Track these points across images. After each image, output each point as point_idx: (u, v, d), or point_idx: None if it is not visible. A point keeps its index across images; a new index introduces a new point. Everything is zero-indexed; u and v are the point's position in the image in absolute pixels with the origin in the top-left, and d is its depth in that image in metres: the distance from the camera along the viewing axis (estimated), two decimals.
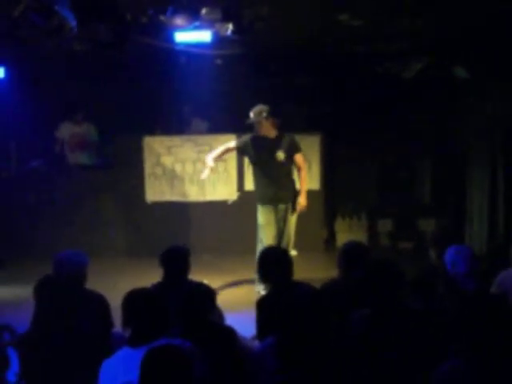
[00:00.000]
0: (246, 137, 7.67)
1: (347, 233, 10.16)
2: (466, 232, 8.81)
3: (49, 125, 10.35)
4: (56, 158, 10.42)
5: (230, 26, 7.10)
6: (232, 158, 9.77)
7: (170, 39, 7.46)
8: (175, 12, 6.94)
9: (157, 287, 5.04)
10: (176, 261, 5.18)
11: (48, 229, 9.72)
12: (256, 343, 4.51)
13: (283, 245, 7.30)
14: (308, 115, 10.62)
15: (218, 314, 4.73)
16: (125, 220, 10.03)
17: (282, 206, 7.55)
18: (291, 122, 10.12)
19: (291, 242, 7.52)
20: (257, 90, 9.90)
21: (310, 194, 9.53)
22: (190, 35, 7.38)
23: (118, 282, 6.98)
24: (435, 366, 3.27)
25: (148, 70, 9.42)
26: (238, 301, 7.38)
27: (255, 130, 7.53)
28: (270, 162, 7.52)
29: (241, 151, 7.79)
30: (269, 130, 7.49)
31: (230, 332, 4.07)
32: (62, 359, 3.93)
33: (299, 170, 7.65)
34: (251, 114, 7.46)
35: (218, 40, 7.54)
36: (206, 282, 4.48)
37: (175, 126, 10.64)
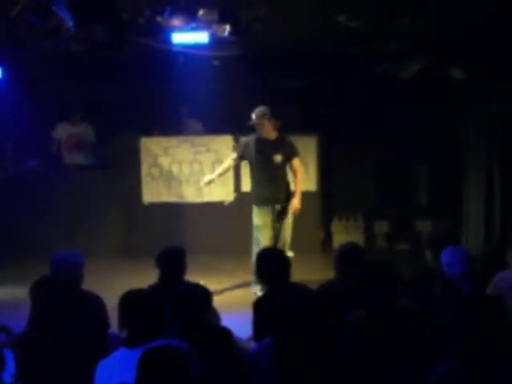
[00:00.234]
0: (247, 139, 7.68)
1: (344, 234, 10.16)
2: (462, 234, 8.81)
3: (46, 125, 10.34)
4: (53, 158, 10.41)
5: (227, 28, 7.10)
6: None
7: (168, 40, 7.46)
8: (172, 13, 6.95)
9: (153, 288, 5.04)
10: (172, 262, 5.18)
11: (45, 229, 9.70)
12: (252, 344, 4.51)
13: (279, 246, 7.31)
14: (305, 116, 10.63)
15: (214, 314, 4.74)
16: (121, 221, 10.02)
17: (278, 207, 7.58)
18: (288, 123, 10.13)
19: (287, 243, 7.53)
20: (254, 91, 9.91)
21: (307, 195, 9.55)
22: (188, 36, 7.38)
23: (114, 283, 6.99)
24: (432, 368, 3.27)
25: (145, 70, 9.41)
26: (235, 302, 7.38)
27: (256, 131, 7.55)
28: (268, 163, 7.54)
29: (242, 156, 7.79)
30: (270, 132, 7.52)
31: (227, 333, 4.07)
32: (58, 360, 3.93)
33: (295, 173, 7.68)
34: (253, 116, 7.47)
35: (215, 41, 7.55)
36: (202, 282, 4.48)
37: (173, 126, 10.63)
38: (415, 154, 10.88)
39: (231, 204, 9.81)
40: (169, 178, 9.98)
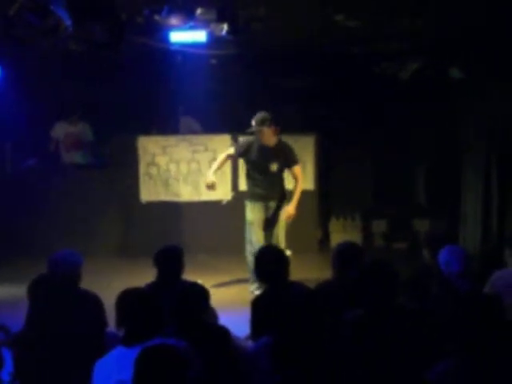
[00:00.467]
0: (251, 139, 7.65)
1: (341, 233, 10.16)
2: (460, 233, 8.82)
3: (44, 124, 10.34)
4: (51, 157, 10.41)
5: (225, 27, 7.10)
6: None
7: (165, 39, 7.46)
8: (170, 12, 6.94)
9: (151, 287, 5.04)
10: (170, 260, 5.18)
11: (43, 228, 9.70)
12: (250, 343, 4.52)
13: (279, 240, 7.31)
14: (303, 116, 10.63)
15: (211, 313, 4.74)
16: (119, 220, 10.02)
17: (272, 204, 7.58)
18: (286, 123, 10.14)
19: (282, 244, 7.46)
20: (252, 90, 9.92)
21: (305, 194, 9.54)
22: (185, 35, 7.38)
23: (112, 282, 6.98)
24: (430, 366, 3.28)
25: (143, 69, 9.41)
26: (232, 300, 7.39)
27: (256, 137, 7.54)
28: (265, 171, 7.55)
29: (241, 154, 7.78)
30: (269, 138, 7.49)
31: (224, 332, 4.07)
32: (56, 359, 3.93)
33: (296, 180, 7.68)
34: (253, 122, 7.45)
35: (213, 40, 7.55)
36: (200, 281, 4.48)
37: (170, 125, 10.63)
38: (413, 153, 10.89)
39: (229, 203, 9.81)
40: (166, 177, 9.98)
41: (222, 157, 7.96)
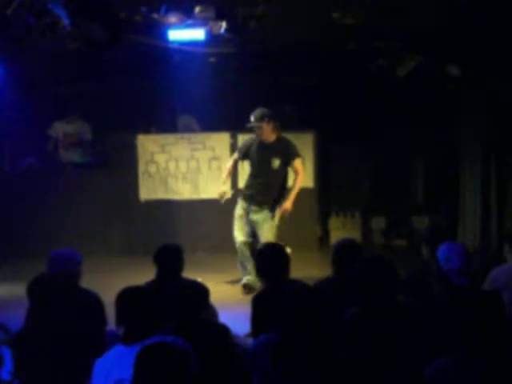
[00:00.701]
0: (250, 139, 7.69)
1: (341, 230, 10.18)
2: (459, 229, 8.83)
3: (42, 123, 10.33)
4: (49, 156, 10.41)
5: (224, 25, 7.09)
6: (225, 155, 9.78)
7: (164, 37, 7.45)
8: (169, 10, 6.94)
9: (150, 285, 5.04)
10: (170, 259, 5.19)
11: (41, 227, 9.70)
12: (249, 341, 4.52)
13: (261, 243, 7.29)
14: (302, 113, 10.63)
15: (211, 311, 4.74)
16: (118, 218, 10.02)
17: (257, 209, 7.57)
18: (285, 120, 10.14)
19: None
20: (250, 88, 9.91)
21: (304, 191, 9.55)
22: (184, 33, 7.37)
23: (111, 280, 6.98)
24: (428, 363, 3.28)
25: (142, 68, 9.40)
26: (232, 298, 7.39)
27: (256, 133, 7.53)
28: (266, 168, 7.54)
29: (244, 156, 7.80)
30: (268, 135, 7.49)
31: (224, 330, 4.07)
32: (55, 357, 3.93)
33: (296, 174, 7.63)
34: (252, 118, 7.45)
35: (212, 38, 7.54)
36: (199, 279, 4.48)
37: (169, 124, 10.63)
38: (412, 151, 10.89)
39: (228, 201, 9.80)
40: (165, 175, 9.98)
41: (229, 164, 8.01)
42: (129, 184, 9.94)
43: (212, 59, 9.20)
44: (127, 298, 3.82)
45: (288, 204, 7.50)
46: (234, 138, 9.71)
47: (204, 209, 9.87)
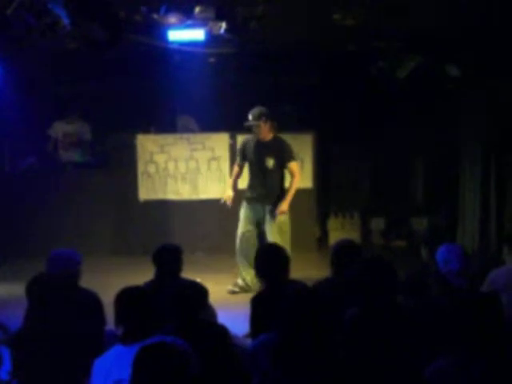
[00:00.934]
0: (248, 138, 7.71)
1: (340, 231, 10.18)
2: (458, 231, 8.83)
3: (42, 123, 10.33)
4: (49, 155, 10.41)
5: (223, 25, 7.09)
6: (225, 156, 9.78)
7: (164, 37, 7.45)
8: (168, 10, 6.94)
9: (149, 285, 5.05)
10: (169, 259, 5.19)
11: (41, 227, 9.70)
12: (248, 341, 4.52)
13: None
14: (302, 113, 10.63)
15: (210, 312, 4.75)
16: (117, 218, 10.02)
17: (261, 207, 7.59)
18: (284, 121, 10.14)
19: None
20: (250, 88, 9.91)
21: (303, 192, 9.56)
22: (184, 33, 7.37)
23: (110, 280, 6.98)
24: (428, 363, 3.28)
25: (141, 68, 9.40)
26: (231, 299, 7.40)
27: (253, 132, 7.55)
28: (261, 167, 7.55)
29: (243, 156, 7.82)
30: (266, 134, 7.50)
31: (223, 330, 4.08)
32: (54, 357, 3.93)
33: (292, 176, 7.60)
34: (250, 117, 7.46)
35: (212, 38, 7.54)
36: (198, 280, 4.49)
37: (168, 124, 10.63)
38: (411, 151, 10.89)
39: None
40: (165, 176, 9.97)
41: (235, 170, 8.03)
42: (128, 184, 9.94)
43: (212, 59, 9.20)
44: (126, 297, 3.82)
45: (284, 206, 7.47)
46: (233, 138, 9.71)
47: (203, 209, 9.87)
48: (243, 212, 7.71)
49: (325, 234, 10.46)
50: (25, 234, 9.69)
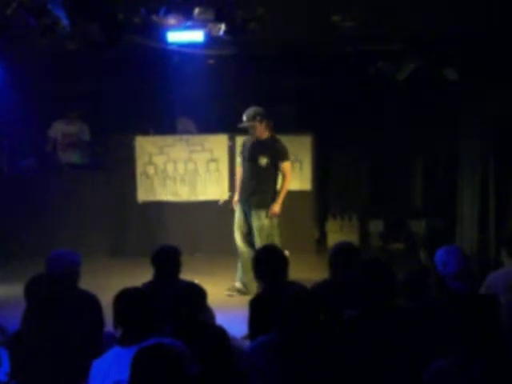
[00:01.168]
0: (246, 138, 7.76)
1: (338, 233, 10.16)
2: (456, 233, 8.82)
3: (41, 124, 10.33)
4: (47, 156, 10.40)
5: (223, 27, 7.09)
6: (223, 157, 9.78)
7: (163, 39, 7.44)
8: (168, 12, 6.93)
9: (148, 287, 5.05)
10: (167, 260, 5.19)
11: (39, 228, 9.69)
12: (247, 343, 4.52)
13: (256, 247, 7.28)
14: (300, 115, 10.63)
15: (208, 313, 4.74)
16: (116, 219, 10.01)
17: (248, 209, 7.59)
18: (283, 123, 10.15)
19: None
20: (249, 90, 9.91)
21: (302, 194, 9.58)
22: (183, 35, 7.36)
23: (108, 282, 6.98)
24: (426, 366, 3.29)
25: (140, 69, 9.40)
26: (229, 300, 7.40)
27: (249, 132, 7.56)
28: (254, 164, 7.55)
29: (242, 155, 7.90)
30: (261, 133, 7.51)
31: (221, 332, 4.07)
32: (53, 359, 3.93)
33: (283, 177, 7.58)
34: (244, 117, 7.47)
35: (211, 40, 7.54)
36: (197, 281, 4.48)
37: (167, 125, 10.63)
38: (410, 153, 10.90)
39: (226, 202, 9.81)
40: (163, 177, 9.97)
41: (237, 172, 8.06)
42: (127, 185, 9.93)
43: (211, 61, 9.20)
44: (125, 299, 3.82)
45: (276, 207, 7.47)
46: (232, 140, 9.70)
47: (202, 211, 9.87)
48: (236, 214, 7.76)
49: (323, 236, 10.45)
50: (23, 235, 9.68)
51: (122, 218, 10.00)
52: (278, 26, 7.66)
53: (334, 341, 3.69)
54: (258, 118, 7.42)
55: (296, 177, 9.67)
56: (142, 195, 9.97)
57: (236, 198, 7.82)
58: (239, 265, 7.72)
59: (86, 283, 5.03)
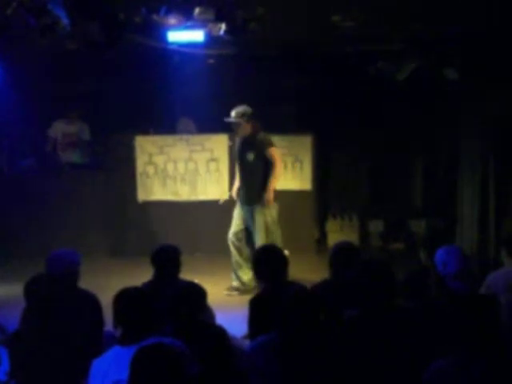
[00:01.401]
0: (236, 138, 7.81)
1: (338, 233, 10.16)
2: (456, 233, 8.82)
3: (41, 124, 10.33)
4: (47, 156, 10.40)
5: (223, 26, 7.09)
6: (223, 157, 9.78)
7: (163, 39, 7.44)
8: (168, 11, 6.93)
9: (148, 286, 5.04)
10: (167, 260, 5.19)
11: (39, 228, 9.69)
12: (247, 342, 4.52)
13: (257, 245, 7.29)
14: (300, 115, 10.63)
15: (208, 313, 4.74)
16: (116, 219, 10.00)
17: (246, 208, 7.64)
18: (283, 122, 10.16)
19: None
20: (249, 89, 9.90)
21: (302, 194, 9.58)
22: (183, 35, 7.37)
23: (108, 282, 6.98)
24: (426, 367, 3.28)
25: (141, 69, 9.40)
26: (229, 300, 7.40)
27: (234, 129, 7.64)
28: (243, 161, 7.67)
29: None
30: (245, 131, 7.56)
31: (221, 331, 4.07)
32: (52, 358, 3.93)
33: (273, 163, 7.55)
34: (232, 113, 7.52)
35: (211, 40, 7.54)
36: (196, 281, 4.48)
37: (167, 125, 10.62)
38: (410, 153, 10.89)
39: (226, 202, 9.80)
40: (164, 177, 9.97)
41: (237, 170, 8.07)
42: (127, 185, 9.93)
43: (211, 61, 9.20)
44: (125, 299, 3.82)
45: (268, 195, 7.49)
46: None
47: (202, 210, 9.87)
48: (235, 211, 7.82)
49: (323, 236, 10.45)
50: (23, 235, 9.68)
51: (122, 218, 9.99)
52: (278, 25, 7.66)
53: (333, 341, 3.69)
54: (245, 117, 7.47)
55: (296, 177, 9.69)
56: (142, 195, 9.97)
57: (235, 189, 7.88)
58: (233, 260, 7.73)
59: (85, 283, 5.03)
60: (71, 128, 10.38)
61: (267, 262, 4.90)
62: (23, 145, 10.43)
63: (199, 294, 4.14)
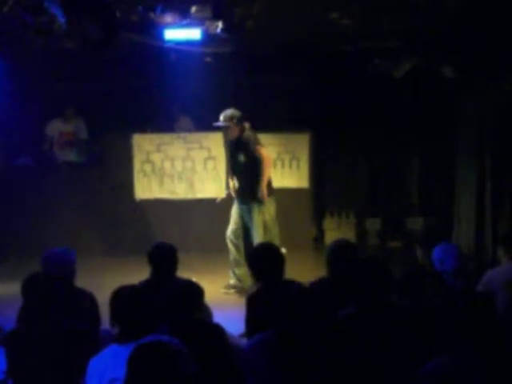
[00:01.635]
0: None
1: (336, 231, 10.17)
2: (453, 231, 8.83)
3: (38, 122, 10.31)
4: (44, 155, 10.39)
5: (220, 24, 7.09)
6: (221, 155, 9.78)
7: (160, 37, 7.44)
8: (165, 9, 6.93)
9: (145, 284, 5.04)
10: (164, 258, 5.19)
11: (35, 226, 9.68)
12: (244, 340, 4.52)
13: (255, 244, 7.29)
14: (297, 113, 10.63)
15: (206, 311, 4.74)
16: (113, 217, 10.00)
17: (244, 207, 7.66)
18: (280, 121, 10.16)
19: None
20: (246, 87, 9.91)
21: (299, 191, 9.59)
22: (180, 33, 7.37)
23: (106, 280, 6.98)
24: (422, 365, 3.28)
25: (137, 67, 9.40)
26: (226, 298, 7.40)
27: (223, 133, 7.66)
28: (235, 163, 7.73)
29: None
30: (235, 134, 7.58)
31: (218, 329, 4.07)
32: (49, 356, 3.92)
33: (261, 161, 7.51)
34: (221, 117, 7.54)
35: (208, 38, 7.54)
36: (194, 279, 4.48)
37: (164, 123, 10.62)
38: (407, 151, 10.89)
39: (223, 200, 9.80)
40: (161, 175, 9.97)
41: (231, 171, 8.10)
42: (124, 183, 9.92)
43: (208, 59, 9.19)
44: (122, 297, 3.82)
45: (261, 193, 7.49)
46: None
47: (199, 208, 9.87)
48: (233, 209, 7.84)
49: (321, 234, 10.46)
50: (20, 233, 9.67)
51: (119, 216, 9.99)
52: (274, 23, 7.66)
53: (330, 338, 3.69)
54: (235, 120, 7.49)
55: (293, 174, 9.69)
56: (140, 193, 9.97)
57: (231, 186, 7.88)
58: (231, 258, 7.74)
59: (82, 281, 5.03)
60: (68, 127, 10.38)
61: (264, 260, 4.90)
62: (20, 144, 10.40)
63: (196, 292, 4.13)
